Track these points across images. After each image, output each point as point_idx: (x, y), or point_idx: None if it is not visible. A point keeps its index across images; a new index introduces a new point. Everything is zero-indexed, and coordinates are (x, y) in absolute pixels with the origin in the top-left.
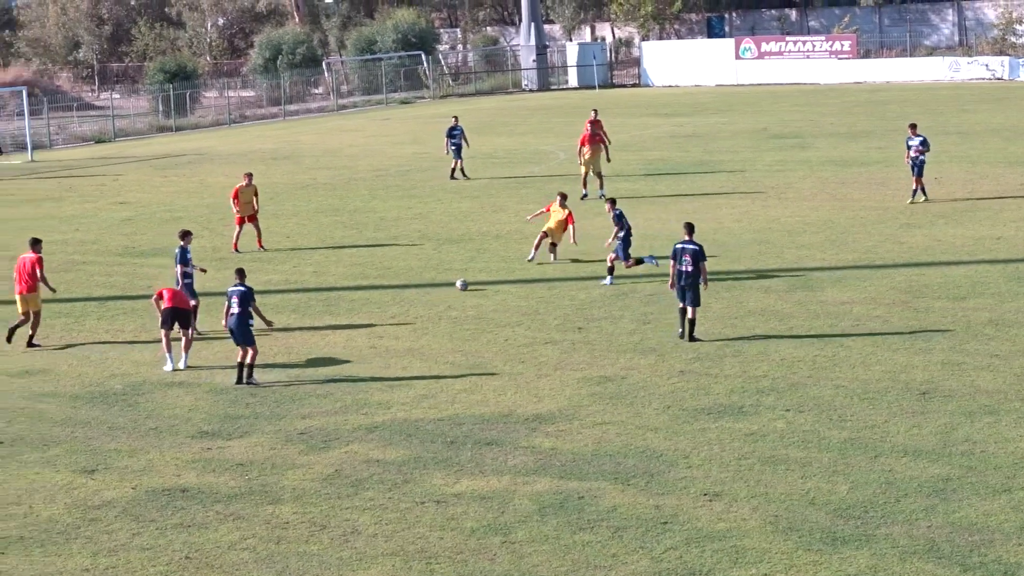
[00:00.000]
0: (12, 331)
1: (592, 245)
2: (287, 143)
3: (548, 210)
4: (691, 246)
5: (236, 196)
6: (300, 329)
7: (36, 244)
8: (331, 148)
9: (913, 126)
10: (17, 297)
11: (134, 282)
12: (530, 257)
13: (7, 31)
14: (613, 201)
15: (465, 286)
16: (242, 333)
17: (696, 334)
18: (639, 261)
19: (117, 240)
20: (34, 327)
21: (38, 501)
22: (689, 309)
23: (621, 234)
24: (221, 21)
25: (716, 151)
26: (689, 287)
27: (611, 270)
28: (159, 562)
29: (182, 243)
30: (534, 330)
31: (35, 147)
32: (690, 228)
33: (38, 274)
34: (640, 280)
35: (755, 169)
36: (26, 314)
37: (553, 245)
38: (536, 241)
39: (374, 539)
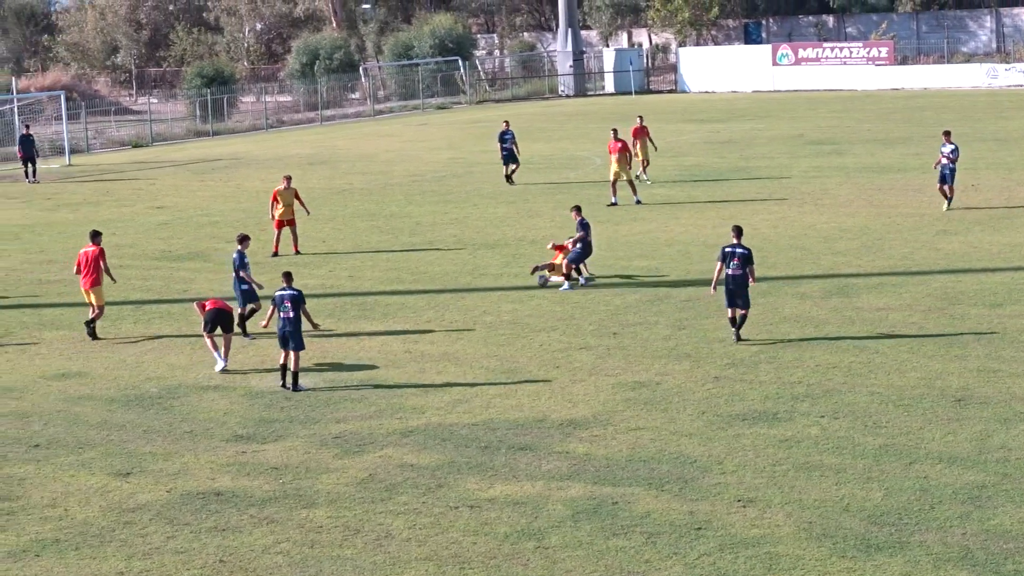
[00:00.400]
0: (91, 325)
1: (620, 251)
2: (324, 148)
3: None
4: (740, 249)
5: (275, 199)
6: (335, 334)
7: (96, 236)
8: (367, 153)
9: (947, 133)
10: (83, 292)
11: (170, 286)
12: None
13: (46, 36)
14: (579, 209)
15: (545, 282)
16: (294, 337)
17: (742, 334)
18: (578, 273)
19: (154, 244)
20: (97, 318)
21: (73, 504)
22: (739, 310)
23: (579, 245)
24: (259, 26)
25: (752, 157)
26: (738, 288)
27: (568, 276)
28: (193, 565)
29: (240, 247)
30: (569, 335)
31: (73, 151)
32: (739, 231)
33: (101, 266)
34: (676, 286)
35: (791, 175)
36: (100, 307)
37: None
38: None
39: (408, 544)
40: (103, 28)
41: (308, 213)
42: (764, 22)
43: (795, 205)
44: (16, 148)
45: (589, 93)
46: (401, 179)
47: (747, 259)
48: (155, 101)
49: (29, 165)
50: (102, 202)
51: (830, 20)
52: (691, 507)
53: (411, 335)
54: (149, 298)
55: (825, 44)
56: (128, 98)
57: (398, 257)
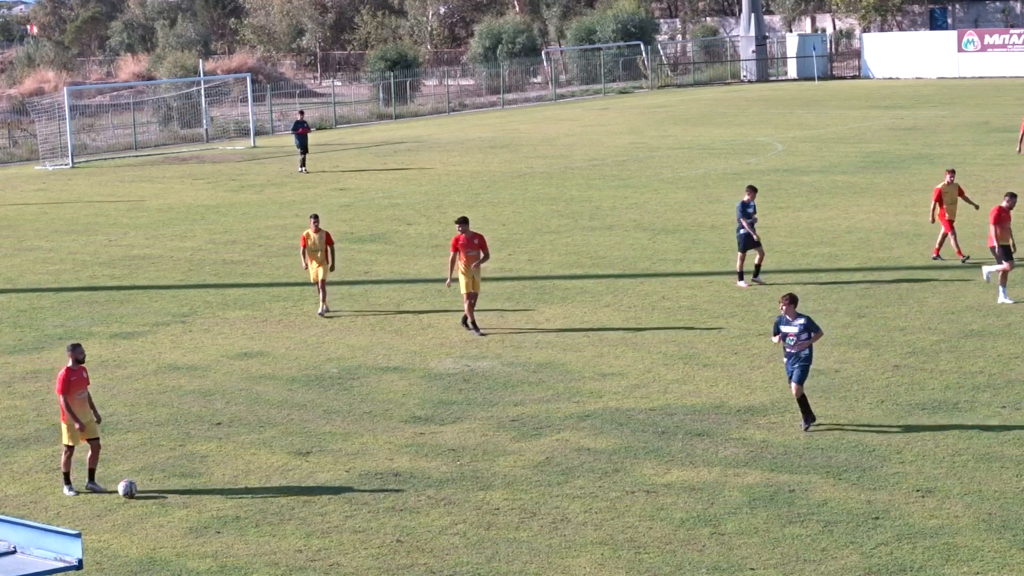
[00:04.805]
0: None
1: (800, 237)
2: (505, 132)
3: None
4: (793, 327)
5: (305, 243)
6: (514, 317)
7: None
8: (548, 137)
9: None
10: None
11: (351, 267)
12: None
13: (233, 19)
14: (755, 190)
15: (129, 490)
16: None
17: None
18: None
19: (336, 226)
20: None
21: (254, 481)
22: (794, 387)
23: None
24: (442, 10)
25: (936, 144)
26: (795, 365)
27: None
28: (371, 544)
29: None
30: (748, 321)
31: (257, 133)
32: (791, 299)
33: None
34: (855, 273)
35: (976, 163)
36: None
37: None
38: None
39: (583, 527)
40: (289, 11)
41: (332, 268)
42: (950, 8)
43: (979, 193)
44: (294, 138)
45: (771, 78)
46: (581, 163)
47: (807, 329)
48: (339, 84)
49: (304, 153)
50: (286, 183)
51: (1017, 6)
52: (869, 496)
53: (589, 319)
54: (330, 279)
55: (1012, 30)
56: (312, 81)
57: (577, 241)
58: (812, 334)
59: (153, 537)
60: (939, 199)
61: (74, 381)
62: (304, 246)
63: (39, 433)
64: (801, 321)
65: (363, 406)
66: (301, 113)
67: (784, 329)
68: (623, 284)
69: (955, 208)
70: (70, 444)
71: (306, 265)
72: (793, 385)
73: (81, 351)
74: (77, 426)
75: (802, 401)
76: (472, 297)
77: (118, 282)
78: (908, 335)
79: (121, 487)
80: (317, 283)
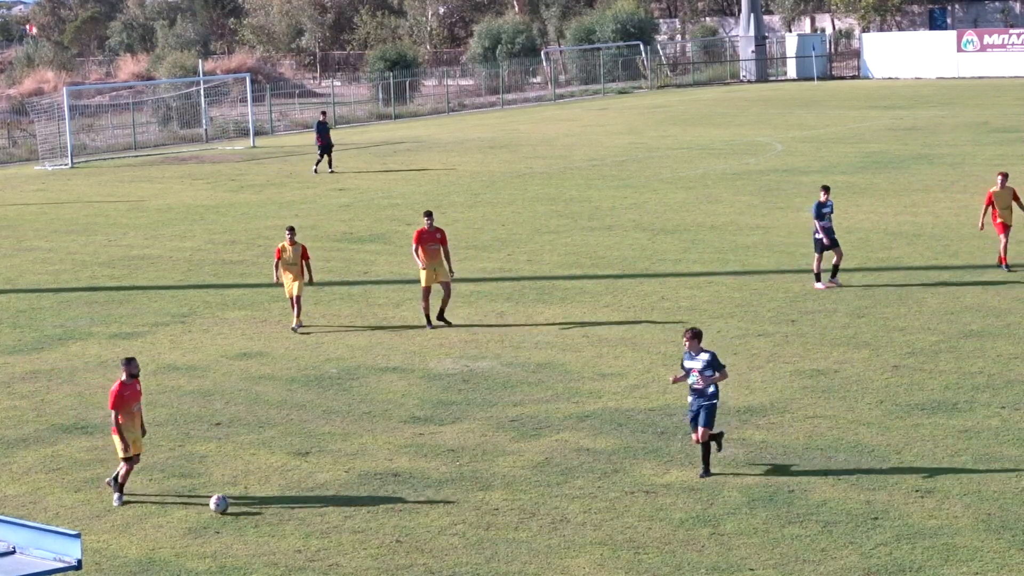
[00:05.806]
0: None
1: (799, 238)
2: (504, 132)
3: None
4: (697, 362)
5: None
6: (513, 317)
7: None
8: (548, 137)
9: None
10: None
11: (351, 267)
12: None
13: (232, 19)
14: (829, 189)
15: (222, 506)
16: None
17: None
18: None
19: (335, 226)
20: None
21: (253, 482)
22: (700, 431)
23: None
24: (442, 10)
25: (936, 144)
26: (698, 407)
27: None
28: (370, 545)
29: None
30: (747, 322)
31: (257, 133)
32: (694, 334)
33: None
34: (855, 273)
35: (975, 163)
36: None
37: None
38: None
39: (583, 528)
40: (288, 11)
41: (310, 282)
42: (949, 8)
43: (978, 193)
44: (314, 136)
45: (771, 79)
46: (581, 163)
47: (710, 366)
48: (338, 84)
49: (325, 155)
50: (285, 184)
51: (1017, 6)
52: (868, 496)
53: (588, 319)
54: (330, 280)
55: (1012, 30)
56: (312, 81)
57: (577, 241)
58: (716, 372)
59: (152, 537)
60: (991, 203)
61: (127, 396)
62: (278, 259)
63: (39, 433)
64: (706, 356)
65: (362, 406)
66: (323, 114)
67: (687, 364)
68: (622, 284)
69: (1010, 213)
70: (127, 456)
71: (278, 278)
72: (700, 429)
73: (136, 365)
74: (123, 447)
75: (706, 447)
76: (432, 288)
77: (117, 282)
78: (907, 335)
79: (213, 503)
80: (291, 298)
